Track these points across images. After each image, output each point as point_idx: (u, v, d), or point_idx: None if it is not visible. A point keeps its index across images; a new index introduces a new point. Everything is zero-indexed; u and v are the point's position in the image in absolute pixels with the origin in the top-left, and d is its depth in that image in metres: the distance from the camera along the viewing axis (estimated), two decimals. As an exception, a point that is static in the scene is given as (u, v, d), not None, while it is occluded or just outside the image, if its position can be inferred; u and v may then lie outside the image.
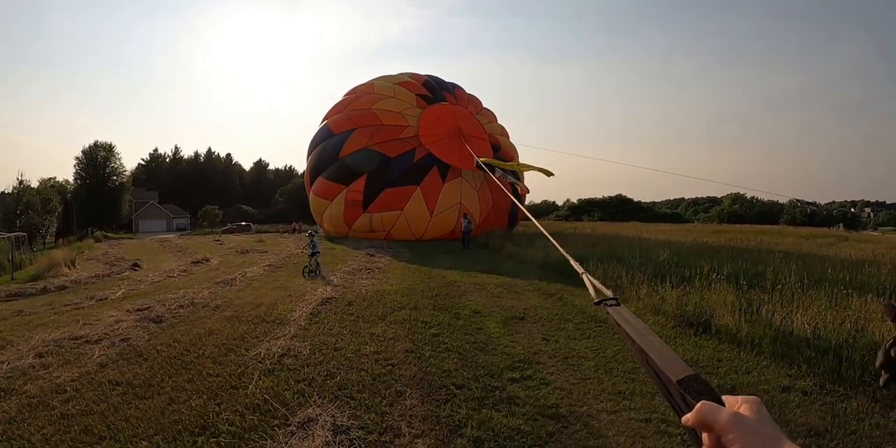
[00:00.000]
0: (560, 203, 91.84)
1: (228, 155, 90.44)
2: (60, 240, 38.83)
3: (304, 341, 6.06)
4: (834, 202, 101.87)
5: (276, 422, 3.90)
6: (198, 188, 78.10)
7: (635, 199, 77.50)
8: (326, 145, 24.65)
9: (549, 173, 21.49)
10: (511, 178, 20.77)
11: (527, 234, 21.37)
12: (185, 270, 15.16)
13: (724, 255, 12.54)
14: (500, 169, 20.29)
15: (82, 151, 59.73)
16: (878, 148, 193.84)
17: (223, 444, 3.59)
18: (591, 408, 4.21)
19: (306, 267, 12.18)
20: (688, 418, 0.57)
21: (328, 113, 27.16)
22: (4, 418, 4.01)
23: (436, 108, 25.54)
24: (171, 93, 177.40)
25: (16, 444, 3.60)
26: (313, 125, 29.13)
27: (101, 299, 9.88)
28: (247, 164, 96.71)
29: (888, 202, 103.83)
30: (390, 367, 5.19)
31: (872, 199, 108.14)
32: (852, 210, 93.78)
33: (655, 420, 3.93)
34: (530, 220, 6.00)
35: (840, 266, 9.65)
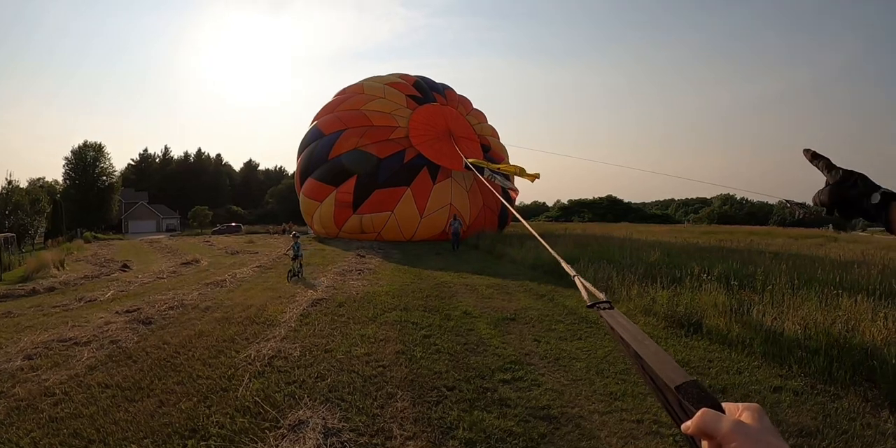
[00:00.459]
0: (550, 204, 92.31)
1: (218, 155, 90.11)
2: (49, 241, 38.42)
3: (294, 343, 6.03)
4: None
5: (267, 424, 3.87)
6: (187, 189, 77.58)
7: (625, 200, 78.32)
8: (316, 146, 24.54)
9: (532, 178, 20.61)
10: (501, 180, 20.65)
11: (517, 235, 21.33)
12: (174, 271, 15.06)
13: (714, 256, 12.63)
14: (489, 170, 20.26)
15: (71, 151, 59.11)
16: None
17: (213, 447, 3.56)
18: (583, 409, 4.20)
19: (290, 271, 11.97)
20: (688, 426, 0.55)
21: (318, 113, 27.05)
22: (-11, 422, 3.94)
23: (426, 109, 25.48)
24: (162, 93, 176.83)
25: (1, 449, 3.55)
26: (304, 126, 29.06)
27: (90, 301, 9.79)
28: (237, 165, 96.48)
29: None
30: (381, 368, 5.17)
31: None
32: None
33: (647, 421, 3.93)
34: (520, 221, 5.99)
35: (830, 266, 9.73)
